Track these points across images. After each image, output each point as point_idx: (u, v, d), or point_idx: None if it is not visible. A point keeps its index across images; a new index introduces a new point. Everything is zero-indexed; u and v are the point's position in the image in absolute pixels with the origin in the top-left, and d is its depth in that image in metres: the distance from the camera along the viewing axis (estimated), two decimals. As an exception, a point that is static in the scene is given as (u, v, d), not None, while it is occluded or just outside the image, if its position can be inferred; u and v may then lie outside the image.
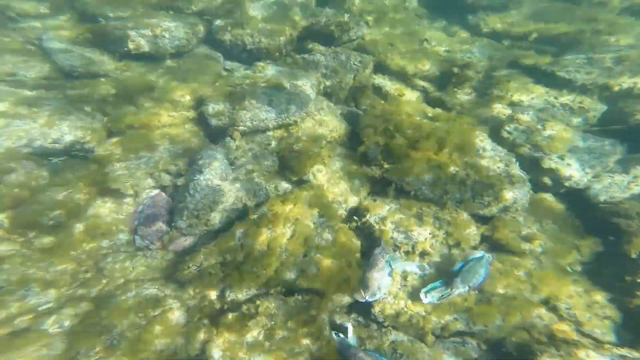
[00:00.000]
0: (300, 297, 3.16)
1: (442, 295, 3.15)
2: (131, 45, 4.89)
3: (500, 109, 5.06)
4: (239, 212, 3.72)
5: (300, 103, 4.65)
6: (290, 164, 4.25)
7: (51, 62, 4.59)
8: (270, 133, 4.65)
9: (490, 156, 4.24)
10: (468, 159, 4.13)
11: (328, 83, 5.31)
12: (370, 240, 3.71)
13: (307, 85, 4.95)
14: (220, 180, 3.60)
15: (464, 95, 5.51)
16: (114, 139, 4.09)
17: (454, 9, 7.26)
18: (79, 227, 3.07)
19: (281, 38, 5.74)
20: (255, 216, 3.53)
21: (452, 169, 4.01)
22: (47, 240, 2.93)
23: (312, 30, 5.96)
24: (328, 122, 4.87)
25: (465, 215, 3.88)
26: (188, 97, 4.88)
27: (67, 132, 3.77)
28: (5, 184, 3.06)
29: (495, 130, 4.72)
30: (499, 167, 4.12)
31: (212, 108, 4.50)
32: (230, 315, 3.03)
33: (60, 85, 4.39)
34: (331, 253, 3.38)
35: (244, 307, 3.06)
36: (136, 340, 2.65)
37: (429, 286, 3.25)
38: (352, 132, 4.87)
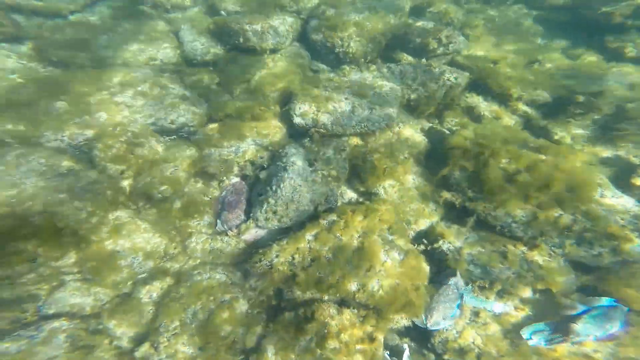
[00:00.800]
0: (356, 311, 3.05)
1: (552, 340, 2.87)
2: (242, 39, 5.19)
3: (631, 150, 4.13)
4: (309, 214, 3.69)
5: (383, 114, 4.41)
6: (362, 174, 4.09)
7: (181, 49, 5.14)
8: (346, 139, 4.53)
9: (612, 204, 3.47)
10: (580, 203, 3.44)
11: (413, 96, 4.95)
12: (440, 267, 3.50)
13: (390, 96, 4.68)
14: (302, 180, 3.56)
15: (579, 129, 4.61)
16: (212, 125, 4.38)
17: (583, 29, 6.12)
18: (177, 204, 3.34)
19: (369, 45, 5.54)
20: (325, 221, 3.44)
21: (557, 212, 3.38)
22: (152, 212, 3.25)
23: (404, 40, 5.61)
24: (408, 137, 4.56)
25: (561, 261, 3.36)
26: (277, 94, 5.00)
27: (182, 114, 4.16)
28: (135, 154, 3.48)
29: (620, 175, 3.87)
30: (622, 219, 3.35)
31: (298, 108, 4.52)
32: (286, 315, 3.03)
33: (182, 71, 4.89)
34: (397, 273, 3.18)
35: (301, 310, 3.01)
36: (206, 322, 2.77)
37: (533, 327, 3.00)
38: (433, 151, 4.51)
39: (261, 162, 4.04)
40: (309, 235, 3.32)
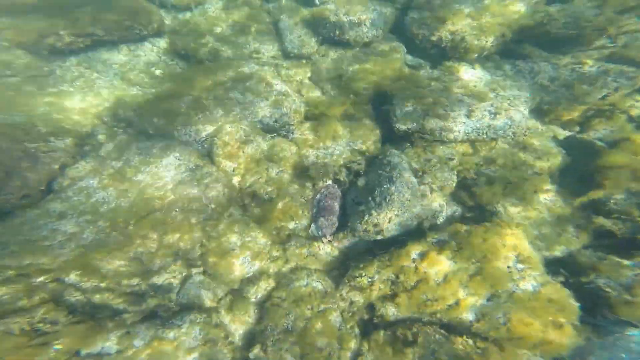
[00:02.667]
0: (472, 342, 2.67)
1: None
2: (337, 32, 4.81)
3: None
4: (410, 228, 3.31)
5: (508, 119, 3.66)
6: (474, 189, 3.50)
7: (279, 42, 4.99)
8: (452, 144, 3.92)
9: None
10: None
11: (547, 99, 4.00)
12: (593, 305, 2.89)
13: (518, 98, 3.85)
14: (410, 195, 3.19)
15: None
16: (308, 124, 4.21)
17: None
18: (280, 205, 3.31)
19: (489, 38, 4.58)
20: (434, 240, 3.05)
21: None
22: (257, 211, 3.28)
23: (539, 32, 4.52)
24: (537, 147, 3.74)
25: None
26: (370, 91, 4.56)
27: (285, 112, 4.05)
28: (245, 153, 3.51)
29: None
30: None
31: (399, 110, 4.04)
32: (382, 334, 2.83)
33: (279, 64, 4.76)
34: (529, 307, 2.71)
35: (399, 330, 2.76)
36: (303, 331, 2.71)
37: None
38: (573, 165, 3.64)
39: (358, 167, 3.76)
40: (414, 254, 2.99)
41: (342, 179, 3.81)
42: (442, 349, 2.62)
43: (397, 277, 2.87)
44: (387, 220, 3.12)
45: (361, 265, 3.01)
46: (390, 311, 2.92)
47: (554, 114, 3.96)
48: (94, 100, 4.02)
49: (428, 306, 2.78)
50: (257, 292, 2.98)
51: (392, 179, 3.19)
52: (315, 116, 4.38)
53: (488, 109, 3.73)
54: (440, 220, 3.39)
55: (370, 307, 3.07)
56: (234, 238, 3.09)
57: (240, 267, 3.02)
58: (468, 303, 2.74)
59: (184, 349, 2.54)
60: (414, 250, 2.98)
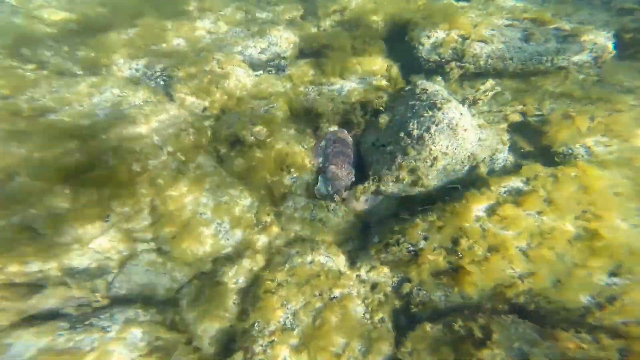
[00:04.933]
0: (590, 338, 1.69)
1: None
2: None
3: None
4: (459, 176, 2.26)
5: (583, 43, 2.60)
6: (541, 127, 2.46)
7: None
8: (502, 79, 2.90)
9: None
10: None
11: (632, 25, 2.95)
12: None
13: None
14: (463, 126, 2.09)
15: None
16: (305, 61, 3.15)
17: None
18: (271, 153, 2.27)
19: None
20: (502, 189, 2.01)
21: None
22: (239, 162, 2.25)
23: None
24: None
25: None
26: (383, 25, 3.51)
27: (273, 41, 3.04)
28: (220, 88, 2.49)
29: None
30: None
31: (427, 37, 2.98)
32: (428, 328, 1.82)
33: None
34: None
35: (458, 323, 1.79)
36: (312, 328, 1.71)
37: None
38: None
39: (378, 103, 2.69)
40: (477, 209, 1.95)
41: (355, 119, 2.75)
42: (537, 348, 1.58)
43: (456, 242, 1.83)
44: (431, 159, 2.05)
45: (396, 228, 1.97)
46: (435, 294, 1.92)
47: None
48: None
49: (511, 286, 1.74)
50: (238, 275, 1.96)
51: (436, 105, 2.10)
52: (314, 52, 3.32)
53: (553, 32, 2.65)
54: (499, 164, 2.32)
55: (399, 285, 2.07)
56: (203, 198, 2.08)
57: (212, 239, 2.01)
58: (578, 280, 1.70)
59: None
60: (476, 204, 1.93)
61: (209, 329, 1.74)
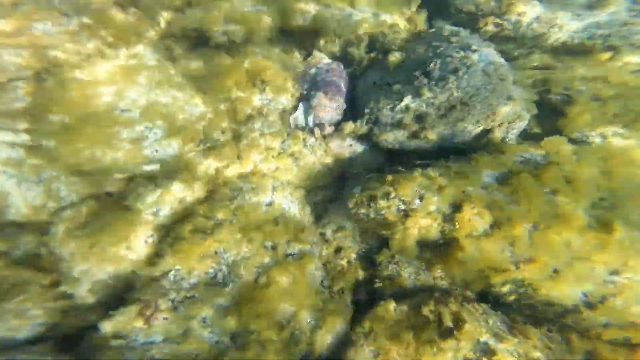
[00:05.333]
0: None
1: None
2: None
3: None
4: (465, 139, 1.81)
5: None
6: (562, 106, 2.08)
7: None
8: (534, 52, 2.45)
9: None
10: None
11: None
12: None
13: None
14: (505, 73, 1.61)
15: None
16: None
17: None
18: (245, 62, 1.61)
19: None
20: (514, 155, 1.64)
21: None
22: (198, 65, 1.56)
23: None
24: None
25: None
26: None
27: None
28: None
29: None
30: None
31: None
32: (391, 307, 1.56)
33: None
34: None
35: (428, 305, 1.51)
36: (251, 288, 1.26)
37: None
38: None
39: (391, 39, 2.11)
40: (487, 174, 1.55)
41: (357, 53, 2.17)
42: (504, 345, 1.31)
43: (459, 208, 1.42)
44: (446, 108, 1.58)
45: (389, 179, 1.49)
46: (405, 271, 1.58)
47: None
48: None
49: (503, 271, 1.42)
50: (160, 204, 1.36)
51: (471, 47, 1.59)
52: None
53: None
54: (514, 134, 1.95)
55: (367, 253, 1.70)
56: (132, 92, 1.40)
57: (132, 145, 1.37)
58: (577, 273, 1.42)
59: None
60: (484, 167, 1.54)
61: (94, 271, 1.16)
